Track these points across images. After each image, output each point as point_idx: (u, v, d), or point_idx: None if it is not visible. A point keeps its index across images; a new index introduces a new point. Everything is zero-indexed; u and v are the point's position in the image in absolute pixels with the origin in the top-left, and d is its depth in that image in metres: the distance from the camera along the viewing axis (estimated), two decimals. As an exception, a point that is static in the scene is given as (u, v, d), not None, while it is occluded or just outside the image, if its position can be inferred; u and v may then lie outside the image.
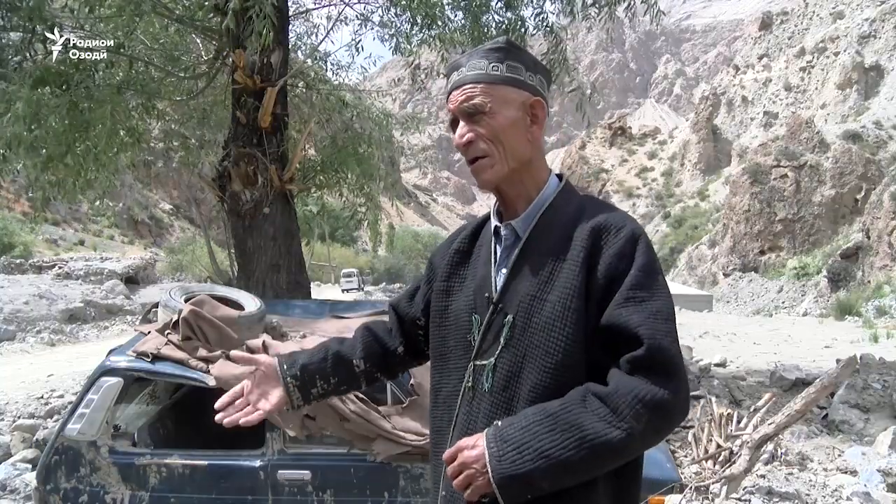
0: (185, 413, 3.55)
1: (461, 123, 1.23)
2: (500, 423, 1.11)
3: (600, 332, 1.11)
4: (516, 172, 1.24)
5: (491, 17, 6.15)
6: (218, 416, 1.29)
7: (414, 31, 6.19)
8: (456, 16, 6.09)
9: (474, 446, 1.10)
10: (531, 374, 1.14)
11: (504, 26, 6.15)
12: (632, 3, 5.92)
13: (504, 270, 1.23)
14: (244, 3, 4.44)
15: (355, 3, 6.78)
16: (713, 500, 3.80)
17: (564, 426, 1.04)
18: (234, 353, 1.42)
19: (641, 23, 6.26)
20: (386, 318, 1.55)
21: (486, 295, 1.23)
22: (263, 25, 4.34)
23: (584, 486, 1.09)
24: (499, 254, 1.28)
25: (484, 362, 1.20)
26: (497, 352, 1.19)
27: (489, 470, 1.05)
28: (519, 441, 1.05)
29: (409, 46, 6.48)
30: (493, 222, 1.31)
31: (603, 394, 1.06)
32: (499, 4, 6.11)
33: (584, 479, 1.07)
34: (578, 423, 1.04)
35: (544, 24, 6.28)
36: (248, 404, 1.32)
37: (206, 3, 5.84)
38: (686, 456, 4.70)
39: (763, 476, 4.25)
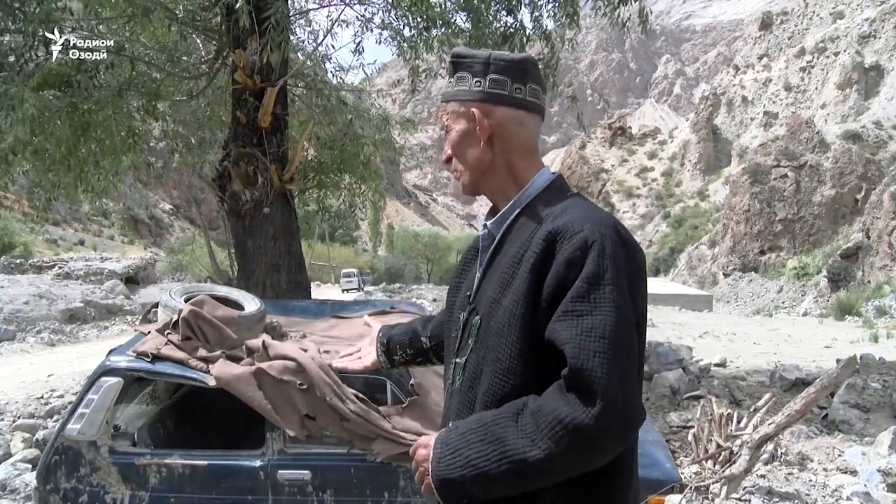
0: (185, 413, 3.55)
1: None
2: (452, 424, 1.16)
3: (548, 344, 1.08)
4: (481, 180, 1.28)
5: (492, 20, 6.14)
6: (335, 363, 1.71)
7: (413, 34, 6.19)
8: (455, 18, 6.07)
9: (426, 445, 1.14)
10: (486, 378, 1.16)
11: (503, 30, 6.15)
12: (623, 11, 5.96)
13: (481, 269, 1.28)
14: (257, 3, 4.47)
15: (355, 4, 6.77)
16: (713, 500, 3.80)
17: (492, 438, 1.04)
18: (367, 318, 1.72)
19: (635, 27, 6.32)
20: (389, 318, 1.63)
21: (468, 294, 1.29)
22: (278, 30, 4.37)
23: (526, 496, 1.08)
24: (481, 253, 1.32)
25: (460, 360, 1.25)
26: (468, 352, 1.22)
27: (429, 470, 1.10)
28: (455, 446, 1.08)
29: (408, 49, 6.47)
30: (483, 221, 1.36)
31: (533, 409, 1.03)
32: (498, 7, 6.11)
33: (515, 492, 1.06)
34: (503, 437, 1.03)
35: (542, 29, 6.29)
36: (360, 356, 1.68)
37: (209, 3, 5.84)
38: (686, 456, 4.70)
39: (763, 476, 4.26)
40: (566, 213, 1.15)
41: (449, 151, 1.30)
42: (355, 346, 1.71)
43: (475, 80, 1.26)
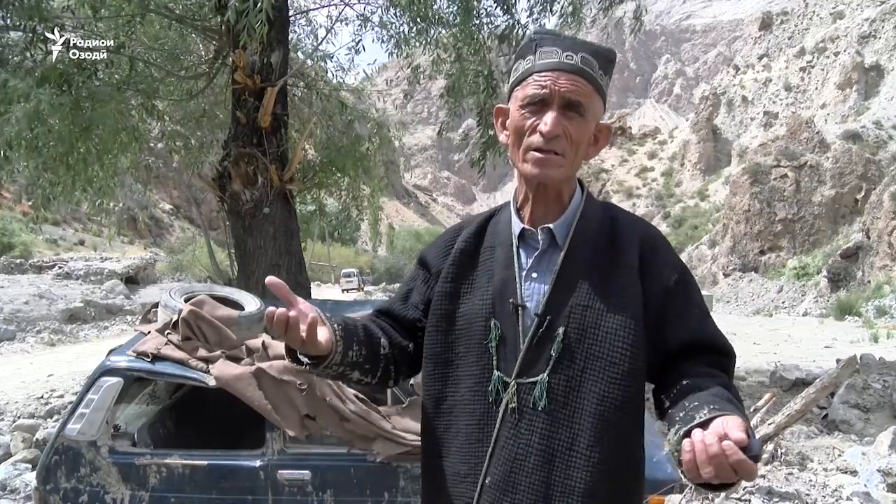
0: (185, 413, 3.55)
1: (553, 111, 1.12)
2: (715, 406, 1.02)
3: (682, 345, 1.17)
4: (568, 179, 1.21)
5: (484, 17, 6.11)
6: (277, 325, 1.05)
7: (413, 33, 6.18)
8: (454, 19, 6.05)
9: (739, 427, 0.93)
10: (596, 386, 1.11)
11: (500, 29, 6.13)
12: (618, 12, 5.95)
13: (535, 275, 1.18)
14: (244, 2, 4.43)
15: (355, 4, 6.78)
16: (713, 500, 3.80)
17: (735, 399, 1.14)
18: (269, 279, 1.08)
19: (633, 27, 6.31)
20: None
21: (511, 301, 1.16)
22: (258, 20, 4.29)
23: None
24: (523, 258, 1.20)
25: (533, 379, 1.13)
26: (549, 367, 1.12)
27: (754, 451, 0.94)
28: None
29: (408, 48, 6.46)
30: (516, 224, 1.22)
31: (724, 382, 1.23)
32: (491, 3, 6.07)
33: None
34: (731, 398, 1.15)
35: (543, 27, 6.25)
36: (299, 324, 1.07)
37: (207, 3, 5.84)
38: (686, 456, 4.69)
39: (763, 476, 4.25)
40: (627, 216, 1.26)
41: (572, 132, 1.13)
42: (293, 307, 1.07)
43: (600, 72, 1.17)
